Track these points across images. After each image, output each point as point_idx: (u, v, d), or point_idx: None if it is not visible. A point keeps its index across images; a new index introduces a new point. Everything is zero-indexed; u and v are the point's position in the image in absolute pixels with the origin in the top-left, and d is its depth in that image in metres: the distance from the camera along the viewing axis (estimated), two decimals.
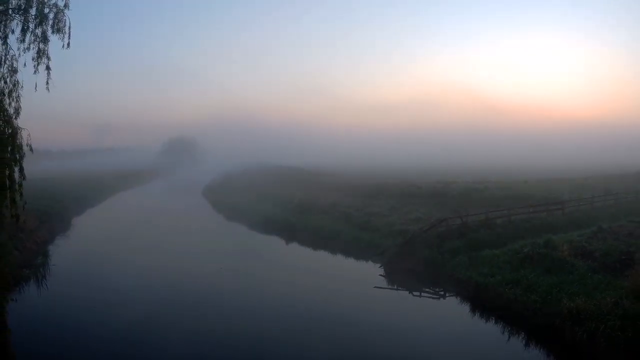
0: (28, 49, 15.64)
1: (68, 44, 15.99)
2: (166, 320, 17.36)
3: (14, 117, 15.57)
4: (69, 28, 15.87)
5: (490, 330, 16.97)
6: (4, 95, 15.47)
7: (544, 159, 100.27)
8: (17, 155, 15.37)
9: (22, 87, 15.79)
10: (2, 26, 15.51)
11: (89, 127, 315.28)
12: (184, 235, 35.29)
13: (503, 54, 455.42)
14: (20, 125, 15.58)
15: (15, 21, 15.62)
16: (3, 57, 15.54)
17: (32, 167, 17.91)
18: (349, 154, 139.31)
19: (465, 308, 19.12)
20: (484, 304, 18.81)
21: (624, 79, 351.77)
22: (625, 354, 12.84)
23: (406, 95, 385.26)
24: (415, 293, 21.63)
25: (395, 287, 22.48)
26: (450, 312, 19.37)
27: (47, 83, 15.92)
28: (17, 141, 15.39)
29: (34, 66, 15.74)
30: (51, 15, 15.76)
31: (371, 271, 24.65)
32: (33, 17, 15.60)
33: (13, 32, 15.61)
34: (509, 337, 16.20)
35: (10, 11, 15.62)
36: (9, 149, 15.19)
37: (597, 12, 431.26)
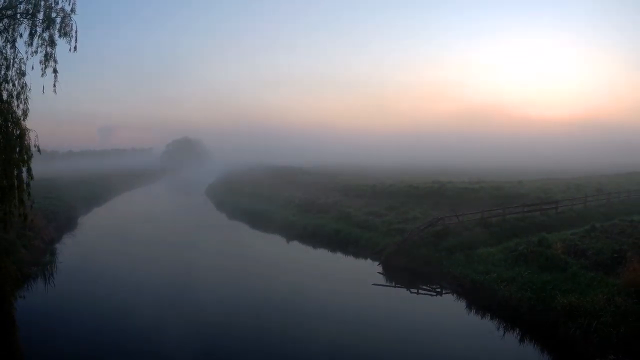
0: (36, 52, 15.85)
1: (75, 48, 16.21)
2: (170, 316, 17.71)
3: (22, 118, 15.79)
4: (76, 32, 16.10)
5: (486, 327, 17.36)
6: (13, 97, 15.70)
7: (538, 160, 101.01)
8: (25, 156, 15.61)
9: (30, 89, 16.00)
10: (11, 30, 15.76)
11: (95, 128, 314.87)
12: (187, 235, 35.64)
13: (498, 56, 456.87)
14: (28, 126, 15.83)
15: (23, 25, 15.86)
16: (12, 60, 15.76)
17: (40, 168, 18.22)
18: (348, 154, 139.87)
19: (462, 305, 19.57)
20: (479, 300, 19.25)
21: (616, 81, 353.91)
22: (618, 350, 13.22)
23: (404, 97, 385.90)
24: (412, 290, 22.05)
25: (393, 284, 22.89)
26: (447, 308, 19.79)
27: (55, 85, 16.13)
28: (25, 142, 15.62)
29: (42, 69, 15.93)
30: (58, 20, 15.98)
31: (370, 269, 25.08)
32: (40, 21, 15.84)
33: (21, 35, 15.81)
34: (504, 333, 16.62)
35: (18, 15, 15.89)
36: (17, 149, 15.48)
37: (589, 14, 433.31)
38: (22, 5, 15.98)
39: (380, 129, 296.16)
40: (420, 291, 22.02)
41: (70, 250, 28.82)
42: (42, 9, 15.87)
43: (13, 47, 15.77)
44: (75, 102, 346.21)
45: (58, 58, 16.13)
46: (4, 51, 15.61)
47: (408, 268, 24.12)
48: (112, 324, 16.90)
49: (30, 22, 15.81)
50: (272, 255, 29.04)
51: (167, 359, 14.55)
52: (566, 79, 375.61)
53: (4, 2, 15.89)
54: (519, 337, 16.26)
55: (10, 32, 15.77)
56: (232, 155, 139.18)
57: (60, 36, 16.01)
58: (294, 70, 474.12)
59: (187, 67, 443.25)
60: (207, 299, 20.02)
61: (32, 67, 15.99)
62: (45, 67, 15.97)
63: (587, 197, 34.84)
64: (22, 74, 15.90)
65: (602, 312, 14.61)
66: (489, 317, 18.02)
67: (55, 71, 16.05)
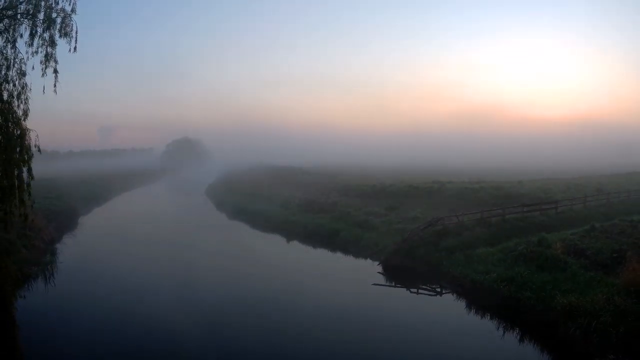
0: (36, 52, 15.87)
1: (75, 48, 16.22)
2: (170, 316, 17.73)
3: (22, 118, 15.83)
4: (76, 32, 16.13)
5: (485, 326, 17.40)
6: (13, 97, 15.73)
7: (538, 160, 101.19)
8: (26, 156, 15.66)
9: (30, 89, 16.04)
10: (11, 30, 15.79)
11: (95, 128, 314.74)
12: (188, 235, 35.68)
13: (498, 56, 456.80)
14: (28, 126, 15.87)
15: (23, 25, 15.89)
16: (12, 60, 15.78)
17: (40, 168, 18.25)
18: (348, 155, 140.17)
19: (461, 304, 19.60)
20: (479, 300, 19.29)
21: (616, 81, 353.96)
22: (618, 349, 13.25)
23: (404, 97, 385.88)
24: (412, 290, 22.08)
25: (393, 284, 22.92)
26: (447, 308, 19.80)
27: (55, 86, 16.14)
28: (26, 142, 15.68)
29: (42, 69, 15.96)
30: (59, 20, 16.00)
31: (370, 269, 25.09)
32: (41, 21, 15.86)
33: (22, 36, 15.85)
34: (504, 332, 16.64)
35: (19, 16, 15.92)
36: (18, 149, 15.52)
37: (589, 14, 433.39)
38: (22, 6, 16.01)
39: (380, 129, 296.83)
40: (420, 291, 22.05)
41: (70, 250, 28.85)
42: (42, 9, 15.90)
43: (13, 47, 15.80)
44: (75, 102, 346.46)
45: (58, 58, 16.19)
46: (4, 51, 15.65)
47: (408, 268, 24.15)
48: (112, 323, 16.91)
49: (31, 23, 15.83)
50: (272, 255, 29.09)
51: (167, 357, 14.58)
52: (566, 79, 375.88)
53: (5, 2, 15.91)
54: (518, 337, 16.28)
55: (10, 33, 15.80)
56: (232, 155, 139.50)
57: (60, 36, 16.04)
58: (294, 70, 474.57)
59: (187, 67, 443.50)
60: (208, 298, 20.06)
61: (33, 68, 16.04)
62: (46, 68, 16.00)
63: (587, 197, 34.91)
64: (22, 74, 15.93)
65: (601, 312, 14.64)
66: (488, 317, 18.05)
67: (55, 71, 16.08)
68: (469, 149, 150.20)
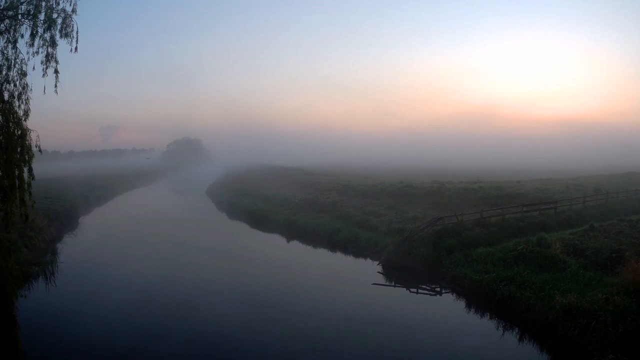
0: (37, 52, 15.87)
1: (76, 49, 16.23)
2: (170, 315, 17.81)
3: (23, 119, 15.86)
4: (77, 33, 16.16)
5: (485, 326, 17.44)
6: (14, 97, 15.75)
7: (537, 160, 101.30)
8: (27, 156, 15.70)
9: (31, 89, 16.07)
10: (12, 30, 15.82)
11: (96, 128, 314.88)
12: (188, 235, 35.68)
13: (498, 57, 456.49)
14: (29, 126, 15.90)
15: (24, 26, 15.93)
16: (13, 61, 15.80)
17: (41, 168, 18.30)
18: (348, 155, 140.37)
19: (461, 304, 19.65)
20: (479, 300, 19.34)
21: (614, 82, 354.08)
22: (617, 349, 13.27)
23: (404, 99, 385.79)
24: (412, 289, 22.14)
25: (393, 283, 22.98)
26: (447, 308, 19.85)
27: (56, 86, 16.16)
28: (27, 142, 15.71)
29: (43, 70, 15.98)
30: (59, 20, 16.02)
31: (370, 268, 25.16)
32: (42, 22, 15.90)
33: (22, 36, 15.87)
34: (503, 332, 16.69)
35: (19, 16, 15.96)
36: (19, 150, 15.56)
37: (589, 14, 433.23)
38: (23, 6, 16.05)
39: (380, 130, 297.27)
40: (420, 291, 22.09)
41: (71, 249, 28.96)
42: (43, 10, 15.93)
43: (14, 47, 15.79)
44: (76, 103, 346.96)
45: (59, 58, 16.21)
46: (5, 52, 15.66)
47: (408, 268, 24.20)
48: (112, 323, 16.96)
49: (32, 23, 15.85)
50: (272, 255, 29.15)
51: (168, 358, 14.63)
52: (565, 79, 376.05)
53: (6, 2, 15.95)
54: (517, 336, 16.32)
55: (11, 33, 15.82)
56: (232, 156, 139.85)
57: (61, 37, 16.04)
58: (296, 73, 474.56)
59: (188, 68, 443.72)
60: (208, 298, 20.12)
61: (34, 68, 16.03)
62: (47, 68, 16.00)
63: (586, 197, 34.99)
64: (23, 74, 15.93)
65: (601, 312, 14.69)
66: (488, 317, 18.10)
67: (56, 72, 16.08)
68: (469, 149, 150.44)
